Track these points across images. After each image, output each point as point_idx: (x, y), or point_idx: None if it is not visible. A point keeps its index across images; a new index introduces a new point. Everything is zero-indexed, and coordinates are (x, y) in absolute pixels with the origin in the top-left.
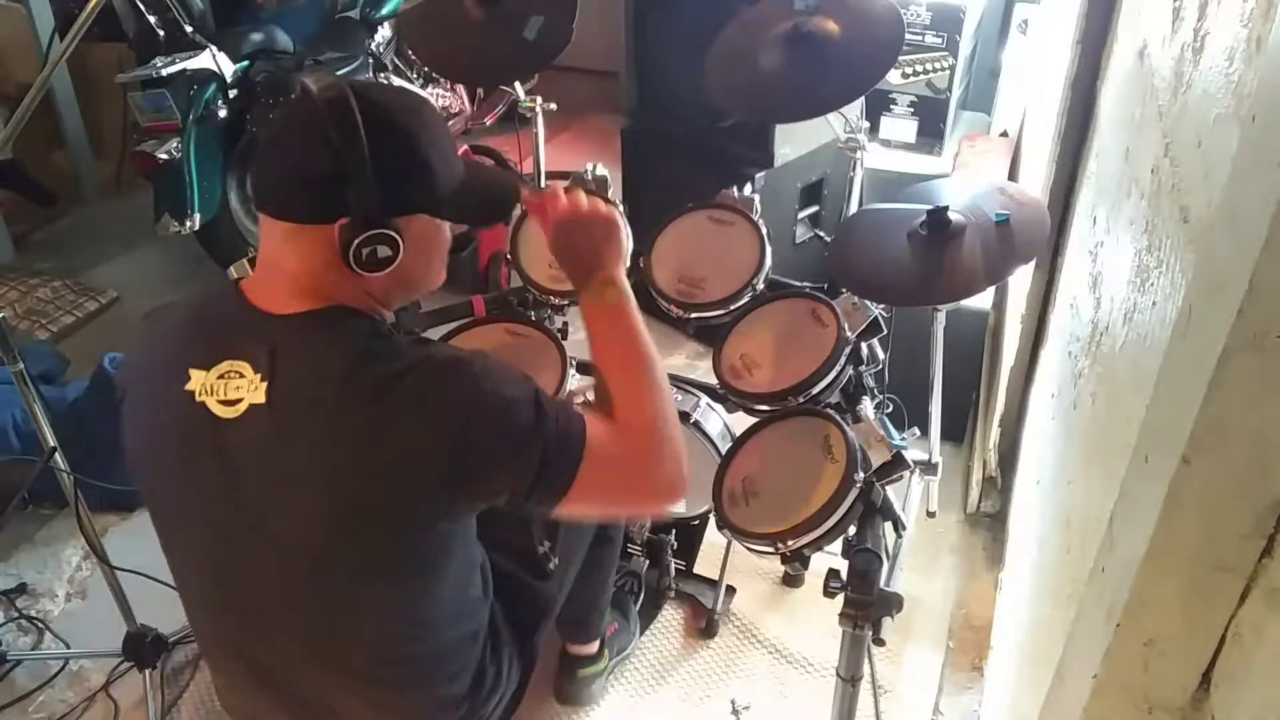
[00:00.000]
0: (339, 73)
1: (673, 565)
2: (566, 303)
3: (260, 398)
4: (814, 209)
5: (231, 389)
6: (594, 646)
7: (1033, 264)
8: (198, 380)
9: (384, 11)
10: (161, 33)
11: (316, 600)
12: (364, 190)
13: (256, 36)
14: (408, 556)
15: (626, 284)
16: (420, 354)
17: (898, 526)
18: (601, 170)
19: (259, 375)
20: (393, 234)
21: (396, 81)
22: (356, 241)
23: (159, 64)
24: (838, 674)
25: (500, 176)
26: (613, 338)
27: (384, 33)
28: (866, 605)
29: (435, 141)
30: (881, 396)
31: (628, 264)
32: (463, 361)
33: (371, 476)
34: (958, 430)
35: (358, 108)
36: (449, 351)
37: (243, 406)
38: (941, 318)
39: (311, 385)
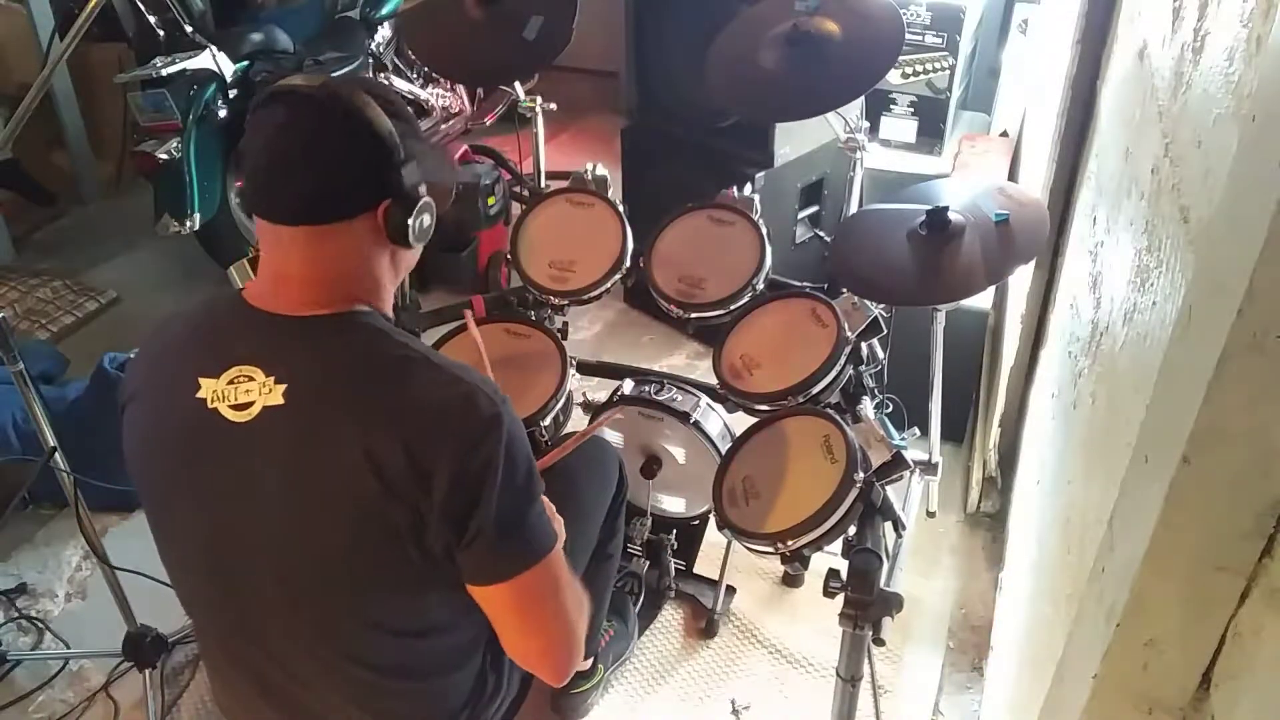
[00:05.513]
0: (339, 73)
1: (673, 565)
2: (566, 303)
3: (276, 399)
4: (814, 209)
5: (242, 393)
6: (586, 664)
7: (1033, 264)
8: (208, 388)
9: (384, 11)
10: (161, 33)
11: (323, 603)
12: (404, 168)
13: (256, 36)
14: (412, 556)
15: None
16: (449, 374)
17: (898, 526)
18: (601, 170)
19: (271, 378)
20: (432, 200)
21: (397, 82)
22: (409, 217)
23: (159, 64)
24: (838, 674)
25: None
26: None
27: (384, 33)
28: (866, 605)
29: (410, 115)
30: (881, 396)
31: None
32: (485, 398)
33: (381, 479)
34: (958, 430)
35: (357, 98)
36: (473, 383)
37: (255, 410)
38: (941, 318)
39: (331, 386)
